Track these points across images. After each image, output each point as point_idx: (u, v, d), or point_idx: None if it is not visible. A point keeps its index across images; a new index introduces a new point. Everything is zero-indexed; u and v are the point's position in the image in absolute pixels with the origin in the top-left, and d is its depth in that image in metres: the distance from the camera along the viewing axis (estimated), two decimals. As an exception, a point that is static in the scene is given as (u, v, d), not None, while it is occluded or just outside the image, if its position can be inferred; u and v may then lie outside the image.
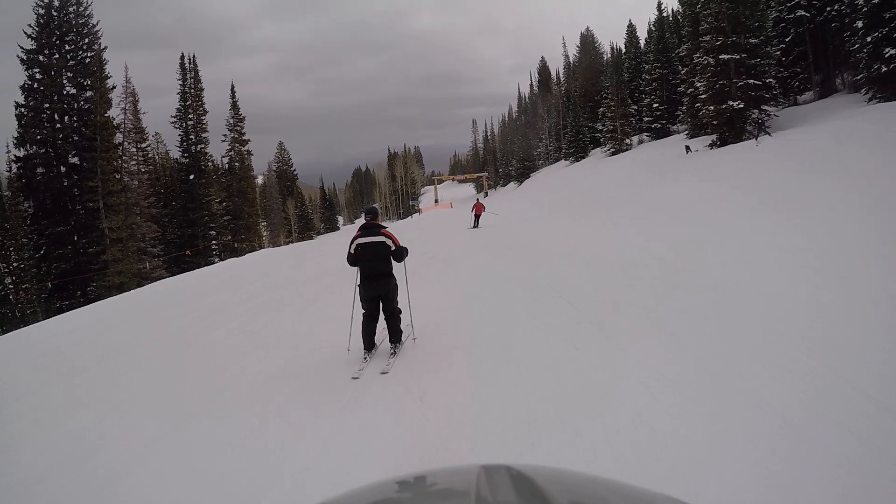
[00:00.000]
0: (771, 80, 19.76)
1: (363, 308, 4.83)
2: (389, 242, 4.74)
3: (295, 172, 77.35)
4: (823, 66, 23.31)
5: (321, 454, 3.08)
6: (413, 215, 49.41)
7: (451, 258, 11.55)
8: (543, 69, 74.35)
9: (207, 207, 38.16)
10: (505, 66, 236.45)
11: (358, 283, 4.85)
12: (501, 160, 74.31)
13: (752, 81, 19.03)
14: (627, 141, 37.59)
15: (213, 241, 38.72)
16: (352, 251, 4.83)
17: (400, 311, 4.95)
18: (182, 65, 41.64)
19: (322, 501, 0.64)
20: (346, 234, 29.06)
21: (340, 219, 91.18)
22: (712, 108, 19.76)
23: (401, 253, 4.80)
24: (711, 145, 21.17)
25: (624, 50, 47.15)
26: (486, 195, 71.03)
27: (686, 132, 28.82)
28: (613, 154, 37.56)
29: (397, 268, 4.95)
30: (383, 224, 5.15)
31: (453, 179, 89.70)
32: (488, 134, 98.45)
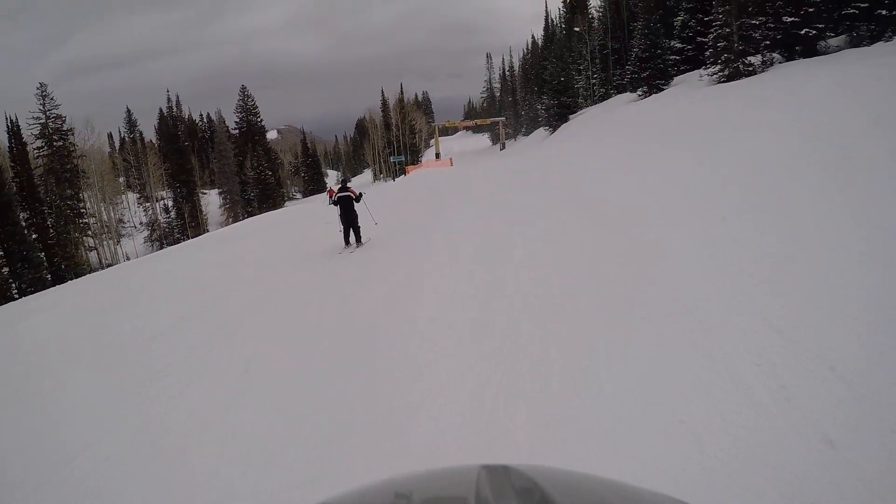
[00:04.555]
0: None
1: (342, 227, 9.74)
2: (352, 196, 9.63)
3: (262, 122, 61.85)
4: None
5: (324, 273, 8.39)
6: (398, 177, 34.61)
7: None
8: (581, -21, 55.89)
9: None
10: (525, 13, 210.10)
11: (339, 214, 9.69)
12: (524, 101, 58.13)
13: None
14: (750, 60, 21.68)
15: None
16: (334, 200, 10.22)
17: (359, 228, 9.79)
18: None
19: (322, 501, 0.64)
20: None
21: (334, 175, 75.93)
22: None
23: (358, 198, 9.76)
24: None
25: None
26: (504, 147, 55.60)
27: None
28: (726, 80, 21.85)
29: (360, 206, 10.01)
30: (350, 186, 10.06)
31: (462, 127, 73.58)
32: (506, 71, 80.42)
